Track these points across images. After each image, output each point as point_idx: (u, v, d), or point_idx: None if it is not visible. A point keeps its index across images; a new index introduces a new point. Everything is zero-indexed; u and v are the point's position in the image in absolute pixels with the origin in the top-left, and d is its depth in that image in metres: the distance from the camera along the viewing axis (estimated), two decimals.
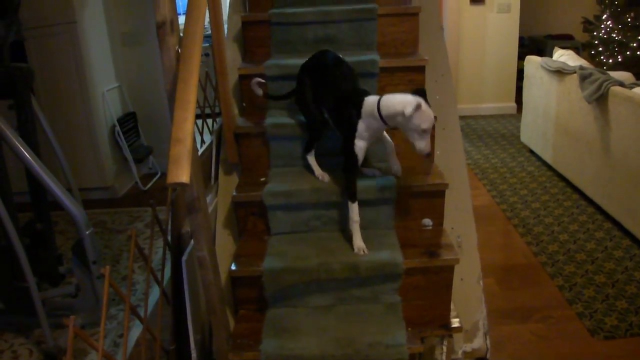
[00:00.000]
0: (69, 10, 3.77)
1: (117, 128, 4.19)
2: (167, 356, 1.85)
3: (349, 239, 1.93)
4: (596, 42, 5.86)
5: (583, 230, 3.41)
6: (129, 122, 4.40)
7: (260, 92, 2.19)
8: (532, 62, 4.61)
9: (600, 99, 3.44)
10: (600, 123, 3.50)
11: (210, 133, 2.76)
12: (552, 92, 4.19)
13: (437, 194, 2.01)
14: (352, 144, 1.83)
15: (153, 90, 4.45)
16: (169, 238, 1.92)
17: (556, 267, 3.00)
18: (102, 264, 2.51)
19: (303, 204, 1.99)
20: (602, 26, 5.78)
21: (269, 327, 1.81)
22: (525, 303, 2.72)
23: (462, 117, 5.92)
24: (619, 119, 3.29)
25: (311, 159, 2.08)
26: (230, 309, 1.94)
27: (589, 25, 6.01)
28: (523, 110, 4.92)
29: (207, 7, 1.64)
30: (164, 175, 4.47)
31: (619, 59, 5.60)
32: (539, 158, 4.68)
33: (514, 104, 6.19)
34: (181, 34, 1.53)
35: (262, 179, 2.08)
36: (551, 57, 4.49)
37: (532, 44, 6.92)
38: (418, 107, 1.66)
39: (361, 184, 1.90)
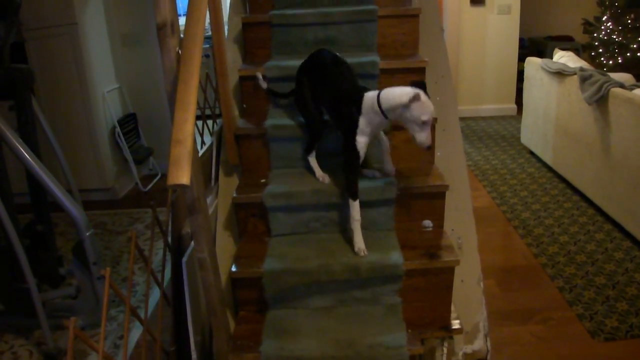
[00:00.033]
0: (69, 11, 3.78)
1: (118, 129, 4.19)
2: (167, 357, 1.85)
3: (349, 240, 1.93)
4: (596, 43, 5.85)
5: (583, 231, 3.40)
6: (129, 123, 4.40)
7: (265, 85, 2.21)
8: (532, 63, 4.61)
9: (600, 101, 3.44)
10: (600, 124, 3.50)
11: (211, 134, 2.76)
12: (553, 93, 4.19)
13: (438, 196, 2.01)
14: (354, 140, 1.83)
15: (153, 91, 4.46)
16: (169, 239, 1.92)
17: (556, 268, 3.00)
18: (103, 266, 2.51)
19: (303, 206, 1.99)
20: (603, 28, 5.78)
21: (269, 329, 1.81)
22: (526, 304, 2.71)
23: (462, 119, 5.93)
24: (619, 121, 3.29)
25: (312, 160, 2.08)
26: (231, 310, 1.94)
27: (589, 26, 6.01)
28: (523, 112, 4.92)
29: (207, 9, 1.64)
30: (164, 176, 4.50)
31: (619, 61, 5.60)
32: (539, 159, 4.68)
33: (514, 106, 6.19)
34: (182, 36, 1.53)
35: (263, 181, 2.08)
36: (551, 58, 4.49)
37: (533, 45, 6.93)
38: (417, 96, 1.67)
39: (361, 185, 1.90)
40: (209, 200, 2.11)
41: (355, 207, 1.85)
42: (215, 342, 1.73)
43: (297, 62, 2.12)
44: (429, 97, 1.72)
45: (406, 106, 1.69)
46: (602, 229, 3.41)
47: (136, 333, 1.84)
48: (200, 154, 2.30)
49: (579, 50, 6.21)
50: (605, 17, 5.75)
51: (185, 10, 1.58)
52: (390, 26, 2.38)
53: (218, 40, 2.01)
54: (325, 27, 2.37)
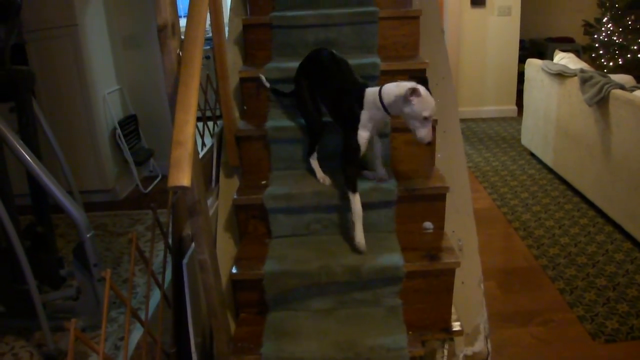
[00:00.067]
0: (70, 13, 3.78)
1: (118, 131, 4.19)
2: (167, 359, 1.85)
3: (350, 242, 1.93)
4: (597, 45, 5.85)
5: (584, 233, 3.40)
6: (129, 124, 4.40)
7: (268, 84, 2.21)
8: (533, 65, 4.61)
9: (601, 102, 3.44)
10: (601, 126, 3.50)
11: (211, 136, 2.76)
12: (553, 95, 4.19)
13: (438, 197, 2.01)
14: (355, 135, 1.84)
15: (154, 92, 4.46)
16: (170, 241, 1.92)
17: (557, 270, 3.00)
18: (103, 267, 2.51)
19: (304, 207, 1.99)
20: (603, 29, 5.78)
21: (269, 331, 1.81)
22: (526, 306, 2.71)
23: (462, 120, 5.93)
24: (619, 122, 3.29)
25: (314, 162, 2.08)
26: (231, 312, 1.94)
27: (590, 28, 6.01)
28: (524, 113, 4.92)
29: (208, 11, 1.64)
30: (164, 177, 4.49)
31: (620, 62, 5.60)
32: (539, 161, 4.68)
33: (514, 107, 6.19)
34: (182, 37, 1.53)
35: (263, 182, 2.08)
36: (552, 60, 4.49)
37: (533, 46, 6.93)
38: (416, 90, 1.67)
39: (362, 187, 1.90)
40: (209, 201, 2.11)
41: (355, 200, 1.85)
42: (216, 343, 1.73)
43: (297, 64, 2.13)
44: (430, 92, 1.72)
45: (406, 100, 1.70)
46: (603, 231, 3.41)
47: (137, 334, 1.84)
48: (200, 155, 2.30)
49: (579, 52, 6.21)
50: (605, 18, 5.75)
51: (186, 11, 1.58)
52: (391, 28, 2.38)
53: (219, 42, 2.01)
54: (326, 28, 2.37)
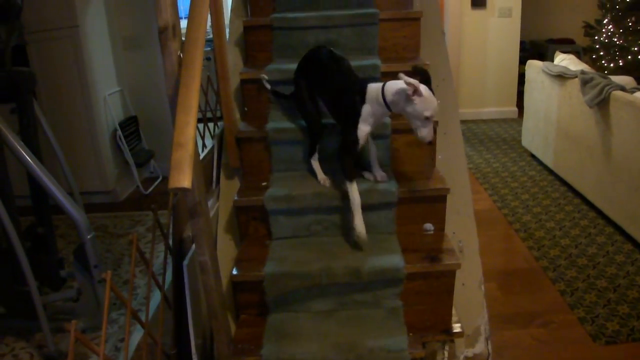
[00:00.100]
0: (70, 14, 3.78)
1: (119, 132, 4.19)
2: None
3: (351, 243, 1.93)
4: (597, 46, 5.86)
5: (584, 235, 3.40)
6: (130, 126, 4.40)
7: (269, 85, 2.22)
8: (534, 66, 4.61)
9: (601, 104, 3.44)
10: (601, 127, 3.50)
11: (212, 137, 2.76)
12: (554, 96, 4.19)
13: (439, 199, 2.01)
14: (355, 128, 1.84)
15: (154, 94, 4.46)
16: (171, 242, 1.92)
17: (557, 271, 2.99)
18: (104, 268, 2.51)
19: (305, 209, 1.99)
20: (604, 30, 5.78)
21: (270, 332, 1.81)
22: (527, 308, 2.71)
23: (463, 122, 5.93)
24: (620, 124, 3.29)
25: (315, 164, 2.08)
26: (232, 313, 1.94)
27: (590, 29, 6.02)
28: (524, 115, 4.92)
29: (209, 12, 1.64)
30: (165, 179, 4.49)
31: (620, 64, 5.60)
32: (540, 162, 4.68)
33: (515, 108, 6.19)
34: (183, 39, 1.53)
35: (264, 184, 2.08)
36: (552, 61, 4.49)
37: (534, 48, 6.93)
38: (417, 89, 1.68)
39: (362, 188, 1.90)
40: (210, 203, 2.11)
41: (352, 188, 1.85)
42: (216, 345, 1.72)
43: None
44: (432, 92, 1.72)
45: (409, 99, 1.70)
46: (603, 232, 3.41)
47: (137, 336, 1.84)
48: (201, 157, 2.30)
49: (580, 53, 6.22)
50: (606, 19, 5.75)
51: (187, 13, 1.58)
52: (391, 29, 2.38)
53: (219, 44, 2.01)
54: (327, 30, 2.37)
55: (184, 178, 1.25)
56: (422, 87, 1.70)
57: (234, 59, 2.44)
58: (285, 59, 2.39)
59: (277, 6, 2.53)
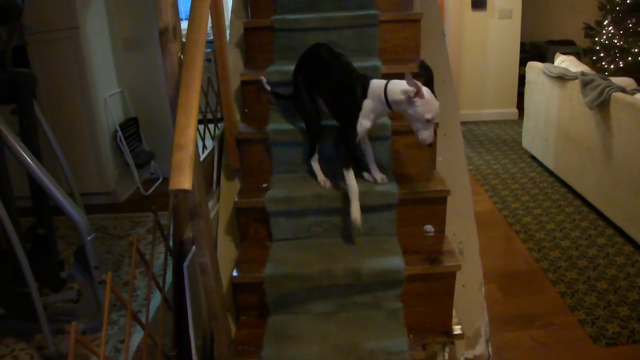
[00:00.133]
0: (71, 15, 3.79)
1: (119, 133, 4.20)
2: None
3: (351, 245, 1.93)
4: (598, 47, 5.86)
5: (585, 236, 3.40)
6: (130, 127, 4.41)
7: (269, 87, 2.22)
8: (534, 67, 4.61)
9: (602, 105, 3.44)
10: (601, 129, 3.50)
11: (212, 139, 2.76)
12: (554, 98, 4.19)
13: (439, 201, 2.01)
14: (355, 121, 1.84)
15: (155, 95, 4.46)
16: (171, 244, 1.92)
17: (558, 273, 2.99)
18: (104, 270, 2.51)
19: (305, 210, 1.99)
20: (604, 32, 5.78)
21: (270, 334, 1.81)
22: (527, 310, 2.71)
23: (463, 123, 5.92)
24: (620, 125, 3.29)
25: (315, 165, 2.08)
26: (232, 315, 1.94)
27: (591, 31, 6.02)
28: (524, 116, 4.92)
29: (209, 13, 1.65)
30: (165, 180, 4.50)
31: (621, 65, 5.60)
32: (540, 164, 4.68)
33: (515, 110, 6.19)
34: (183, 40, 1.53)
35: (264, 185, 2.08)
36: (553, 62, 4.49)
37: (534, 49, 6.93)
38: (419, 92, 1.67)
39: (363, 190, 1.90)
40: (210, 204, 2.11)
41: (349, 176, 1.86)
42: (216, 346, 1.72)
43: None
44: (434, 94, 1.72)
45: (410, 101, 1.70)
46: (604, 234, 3.41)
47: (137, 337, 1.84)
48: (201, 158, 2.30)
49: (580, 55, 6.21)
50: (606, 21, 5.75)
51: (187, 14, 1.58)
52: (391, 31, 2.38)
53: (220, 45, 2.02)
54: (327, 31, 2.37)
55: (184, 179, 1.25)
56: (425, 90, 1.70)
57: (234, 61, 2.44)
58: (285, 61, 2.39)
59: (277, 7, 2.53)
